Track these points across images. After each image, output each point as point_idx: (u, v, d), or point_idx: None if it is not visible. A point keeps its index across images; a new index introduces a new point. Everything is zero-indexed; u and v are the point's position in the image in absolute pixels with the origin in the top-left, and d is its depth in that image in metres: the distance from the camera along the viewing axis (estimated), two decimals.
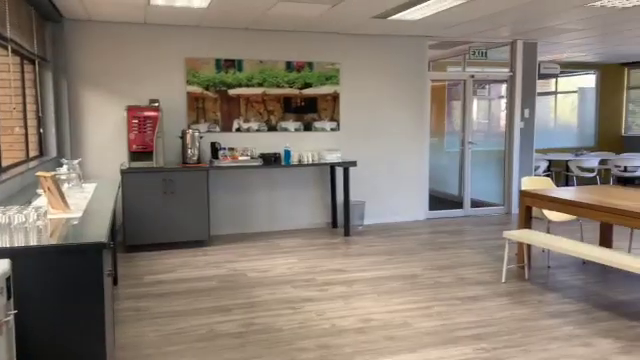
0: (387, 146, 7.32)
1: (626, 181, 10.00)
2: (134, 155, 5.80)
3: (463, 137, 7.88)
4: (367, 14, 5.80)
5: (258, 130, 6.73)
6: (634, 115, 11.13)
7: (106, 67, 6.15)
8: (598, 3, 5.28)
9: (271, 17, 5.89)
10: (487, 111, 8.79)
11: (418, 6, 5.41)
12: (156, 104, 5.92)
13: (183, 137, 6.06)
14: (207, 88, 6.50)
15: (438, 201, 7.98)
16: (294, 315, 3.93)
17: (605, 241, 5.28)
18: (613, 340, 3.45)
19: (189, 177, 5.90)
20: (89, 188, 4.13)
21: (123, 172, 5.71)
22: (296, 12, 5.64)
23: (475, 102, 8.23)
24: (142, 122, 5.77)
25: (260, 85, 6.67)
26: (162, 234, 5.85)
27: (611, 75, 11.10)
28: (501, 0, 5.18)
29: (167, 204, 5.83)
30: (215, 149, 6.28)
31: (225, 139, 6.55)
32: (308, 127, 6.92)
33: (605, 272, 4.95)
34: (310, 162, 6.43)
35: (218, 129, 6.58)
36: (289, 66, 6.77)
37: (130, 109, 5.78)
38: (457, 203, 7.99)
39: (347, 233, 6.54)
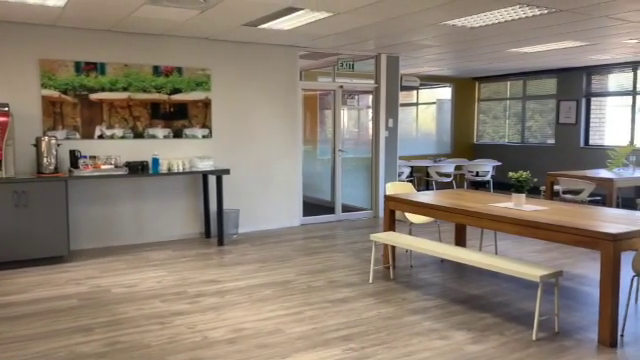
0: (261, 153, 7.34)
1: (478, 185, 11.03)
2: None
3: (334, 145, 8.16)
4: (237, 22, 5.79)
5: (123, 137, 6.40)
6: (485, 125, 12.30)
7: None
8: (450, 22, 5.77)
9: (136, 19, 5.64)
10: (357, 120, 9.18)
11: (286, 17, 5.51)
12: (5, 108, 5.38)
13: (38, 145, 5.57)
14: (65, 92, 6.05)
15: (312, 207, 8.16)
16: (163, 330, 3.78)
17: (460, 240, 5.76)
18: (466, 332, 3.77)
19: (45, 188, 5.43)
20: None
21: None
22: (163, 16, 5.46)
23: (345, 111, 8.56)
24: None
25: (125, 90, 6.35)
26: (14, 251, 5.31)
27: (464, 88, 12.18)
28: (364, 15, 5.45)
29: (19, 218, 5.31)
30: (75, 157, 5.86)
31: (86, 147, 6.14)
32: (178, 134, 6.72)
33: (460, 269, 5.39)
34: (181, 170, 6.24)
35: (78, 136, 6.15)
36: (157, 70, 6.52)
37: None
38: (330, 208, 8.23)
39: (221, 242, 6.44)
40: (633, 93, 9.27)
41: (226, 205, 6.90)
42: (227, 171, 6.50)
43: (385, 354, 3.38)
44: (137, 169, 5.97)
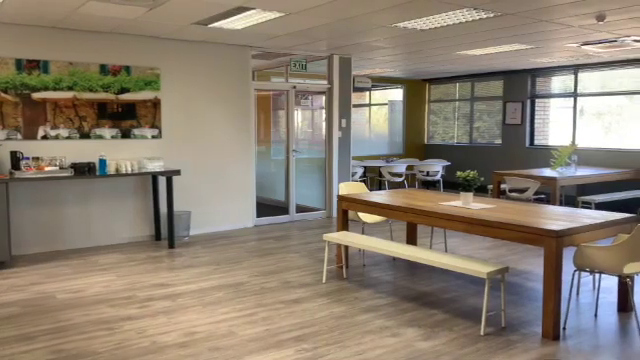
0: (213, 154, 7.24)
1: (428, 184, 11.25)
2: None
3: (287, 145, 8.14)
4: (186, 20, 5.69)
5: (69, 138, 6.18)
6: (436, 125, 12.56)
7: None
8: (401, 24, 5.86)
9: (81, 16, 5.46)
10: (310, 120, 9.20)
11: (237, 16, 5.46)
12: None
13: None
14: (5, 91, 5.79)
15: (266, 208, 8.12)
16: (111, 336, 3.67)
17: (411, 239, 5.86)
18: (417, 328, 3.83)
19: None
20: None
21: None
22: (109, 13, 5.31)
23: (299, 112, 8.56)
24: None
25: (70, 89, 6.14)
26: None
27: (415, 90, 12.40)
28: (315, 16, 5.47)
29: None
30: (16, 159, 5.62)
31: (29, 148, 5.89)
32: (127, 134, 6.54)
33: (412, 267, 5.48)
34: (129, 172, 6.08)
35: (20, 136, 5.90)
36: (104, 69, 6.33)
37: None
38: (284, 209, 8.21)
39: (172, 245, 6.31)
40: (574, 95, 9.68)
41: (177, 207, 6.78)
42: (177, 172, 6.38)
43: (337, 353, 3.39)
44: (83, 170, 5.78)
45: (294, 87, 8.09)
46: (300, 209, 8.27)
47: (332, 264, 5.40)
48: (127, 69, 6.48)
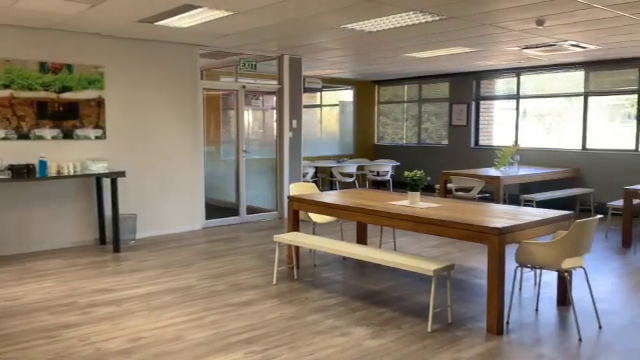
0: (160, 155, 7.08)
1: (378, 184, 11.40)
2: None
3: (237, 146, 8.05)
4: (131, 17, 5.54)
5: (5, 138, 5.89)
6: (386, 126, 12.74)
7: None
8: (349, 26, 5.91)
9: (19, 11, 5.22)
10: (261, 121, 9.14)
11: (184, 14, 5.36)
12: None
13: None
14: None
15: (215, 209, 8.01)
16: (52, 344, 3.52)
17: (361, 238, 5.91)
18: (366, 327, 3.86)
19: None
20: None
21: None
22: (49, 8, 5.09)
23: (250, 112, 8.49)
24: None
25: (6, 87, 5.86)
26: None
27: (365, 91, 12.54)
28: (264, 16, 5.43)
29: None
30: None
31: None
32: (69, 135, 6.31)
33: (361, 266, 5.53)
34: (72, 173, 5.86)
35: None
36: (43, 67, 6.08)
37: None
38: (234, 210, 8.12)
39: (117, 249, 6.12)
40: (517, 97, 10.03)
41: (123, 209, 6.57)
42: (122, 173, 6.19)
43: (288, 354, 3.38)
44: (22, 172, 5.53)
45: (244, 87, 8.01)
46: (251, 210, 8.20)
47: (283, 265, 5.38)
48: (69, 67, 6.24)
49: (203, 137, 7.60)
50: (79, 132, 6.38)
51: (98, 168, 6.09)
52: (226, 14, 5.34)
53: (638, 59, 8.29)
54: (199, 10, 5.21)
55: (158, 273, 5.26)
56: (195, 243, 6.64)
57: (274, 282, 4.92)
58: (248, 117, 8.49)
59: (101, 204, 6.48)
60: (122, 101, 6.70)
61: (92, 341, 3.58)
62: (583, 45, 7.04)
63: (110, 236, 6.43)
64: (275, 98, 8.44)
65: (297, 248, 5.26)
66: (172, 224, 7.23)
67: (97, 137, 6.51)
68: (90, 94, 6.42)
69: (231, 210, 8.14)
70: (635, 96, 8.52)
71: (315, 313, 4.14)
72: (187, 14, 5.37)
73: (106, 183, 6.44)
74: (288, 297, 4.52)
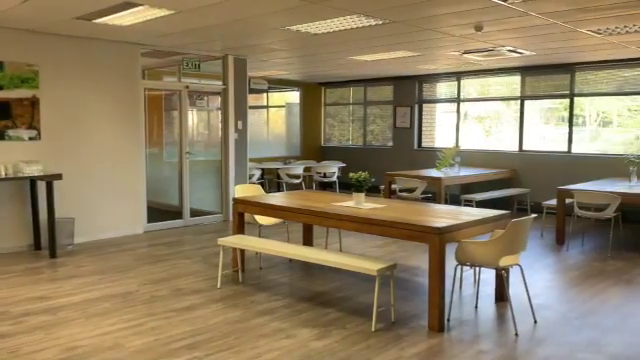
0: (99, 157, 6.84)
1: (325, 185, 11.46)
2: None
3: (181, 147, 7.89)
4: (68, 14, 5.32)
5: None
6: (333, 128, 12.82)
7: None
8: (294, 28, 5.90)
9: None
10: (207, 122, 8.99)
11: (124, 12, 5.21)
12: None
13: None
14: None
15: (158, 213, 7.81)
16: None
17: (307, 240, 5.92)
18: (311, 328, 3.87)
19: None
20: None
21: None
22: None
23: (194, 113, 8.33)
24: None
25: None
26: None
27: (311, 93, 12.58)
28: (208, 15, 5.35)
29: None
30: None
31: None
32: (0, 136, 5.99)
33: (308, 267, 5.53)
34: (3, 176, 5.57)
35: None
36: None
37: None
38: (177, 213, 7.94)
39: (53, 255, 5.87)
40: (457, 100, 10.32)
41: (60, 213, 6.30)
42: (59, 176, 5.95)
43: (231, 359, 3.33)
44: None
45: (187, 87, 7.86)
46: (195, 213, 8.05)
47: (228, 269, 5.30)
48: (0, 65, 5.95)
49: (145, 138, 7.40)
50: (11, 133, 6.07)
51: (32, 171, 5.82)
52: (168, 13, 5.22)
53: (570, 65, 8.71)
54: (140, 8, 5.07)
55: (96, 279, 5.07)
56: (136, 247, 6.45)
57: (218, 286, 4.85)
58: (192, 118, 8.34)
59: (36, 208, 6.19)
60: (58, 101, 6.43)
61: (24, 352, 3.41)
62: (520, 51, 7.33)
63: (46, 241, 6.15)
64: (220, 99, 8.33)
65: (242, 251, 5.20)
66: (112, 228, 7.00)
67: (31, 138, 6.22)
68: (23, 93, 6.12)
69: (174, 213, 7.96)
70: (567, 100, 8.94)
71: (260, 316, 4.10)
72: (128, 12, 5.21)
73: (41, 186, 6.16)
74: (232, 301, 4.47)
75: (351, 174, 4.85)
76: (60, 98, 6.45)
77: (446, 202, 8.14)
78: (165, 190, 8.33)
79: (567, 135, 8.95)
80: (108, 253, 6.12)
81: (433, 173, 8.44)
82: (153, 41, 6.92)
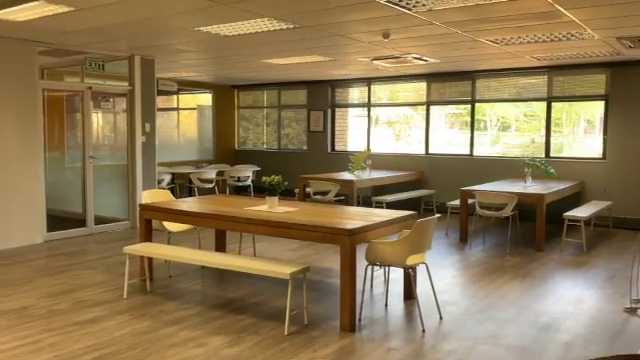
0: None
1: (239, 190, 11.33)
2: None
3: (84, 151, 7.48)
4: None
5: None
6: (247, 131, 12.69)
7: None
8: (203, 29, 5.78)
9: None
10: (113, 124, 8.59)
11: (17, 7, 4.86)
12: None
13: None
14: None
15: (59, 221, 7.33)
16: None
17: (220, 245, 5.80)
18: (223, 336, 3.79)
19: None
20: None
21: None
22: None
23: (99, 115, 7.93)
24: None
25: None
26: None
27: (224, 95, 12.39)
28: (111, 13, 5.11)
29: None
30: None
31: None
32: None
33: (220, 274, 5.42)
34: None
35: None
36: None
37: None
38: (80, 221, 7.51)
39: None
40: (368, 105, 10.60)
41: None
42: None
43: None
44: None
45: (90, 88, 7.46)
46: (100, 220, 7.64)
47: (135, 278, 5.08)
48: None
49: (43, 142, 6.94)
50: None
51: None
52: (67, 9, 4.93)
53: (472, 72, 9.22)
54: (36, 3, 4.75)
55: None
56: (34, 259, 6.03)
57: (125, 296, 4.63)
58: (97, 120, 7.93)
59: None
60: None
61: None
62: (425, 58, 7.65)
63: None
64: (126, 100, 7.98)
65: (150, 259, 5.00)
66: (7, 238, 6.48)
67: None
68: None
69: (77, 221, 7.51)
70: (470, 106, 9.46)
71: (169, 326, 3.97)
72: (22, 7, 4.87)
73: None
74: (140, 311, 4.28)
75: (264, 178, 4.82)
76: None
77: (358, 204, 8.32)
78: (67, 197, 7.84)
79: (469, 139, 9.45)
80: (1, 266, 5.66)
81: (346, 176, 8.60)
82: (52, 39, 6.51)
